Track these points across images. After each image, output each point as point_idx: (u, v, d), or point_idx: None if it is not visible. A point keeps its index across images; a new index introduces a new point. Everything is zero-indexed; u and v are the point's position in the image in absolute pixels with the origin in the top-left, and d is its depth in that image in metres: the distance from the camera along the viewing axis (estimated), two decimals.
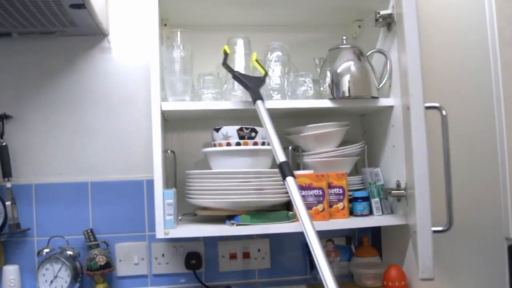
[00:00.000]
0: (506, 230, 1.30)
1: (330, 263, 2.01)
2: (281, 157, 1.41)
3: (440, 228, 1.24)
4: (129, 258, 1.93)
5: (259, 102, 1.55)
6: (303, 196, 1.67)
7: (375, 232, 2.05)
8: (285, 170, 1.38)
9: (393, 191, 1.70)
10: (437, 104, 1.29)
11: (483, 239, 1.41)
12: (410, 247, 1.76)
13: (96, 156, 1.95)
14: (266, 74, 1.72)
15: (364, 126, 2.06)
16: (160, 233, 1.58)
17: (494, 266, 1.35)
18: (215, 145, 1.73)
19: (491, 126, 1.33)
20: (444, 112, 1.26)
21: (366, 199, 1.77)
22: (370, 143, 1.93)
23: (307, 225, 1.24)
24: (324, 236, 2.02)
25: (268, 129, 1.47)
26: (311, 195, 1.69)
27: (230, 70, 1.65)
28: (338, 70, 1.72)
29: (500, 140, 1.31)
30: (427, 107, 1.25)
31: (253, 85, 1.61)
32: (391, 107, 1.75)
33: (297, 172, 1.73)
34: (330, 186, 1.72)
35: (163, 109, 1.63)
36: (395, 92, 1.73)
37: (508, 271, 1.30)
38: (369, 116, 2.01)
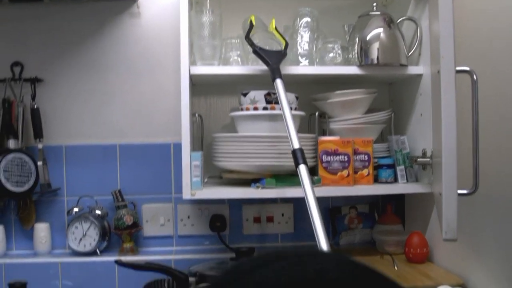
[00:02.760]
0: None
1: (353, 229, 2.04)
2: (295, 144, 1.42)
3: (465, 191, 1.24)
4: (156, 219, 1.97)
5: (278, 81, 1.54)
6: (328, 162, 1.70)
7: (399, 201, 2.06)
8: (298, 157, 1.39)
9: (419, 159, 1.71)
10: (467, 68, 1.28)
11: (509, 206, 1.41)
12: (433, 216, 1.77)
13: (124, 120, 1.98)
14: (286, 44, 1.71)
15: (391, 94, 2.06)
16: (186, 194, 1.61)
17: None
18: (242, 109, 1.75)
19: None
20: (475, 77, 1.25)
21: (391, 166, 1.78)
22: (397, 112, 1.92)
23: (319, 229, 1.25)
24: (348, 203, 2.04)
25: (285, 112, 1.47)
26: (336, 160, 1.70)
27: (251, 44, 1.64)
28: (368, 37, 1.72)
29: None
30: (458, 71, 1.25)
31: (273, 61, 1.60)
32: (420, 75, 1.74)
33: (323, 138, 1.75)
34: (355, 152, 1.73)
35: (191, 73, 1.64)
36: (425, 60, 1.72)
37: None
38: (397, 84, 2.00)
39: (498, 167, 1.46)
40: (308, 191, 1.34)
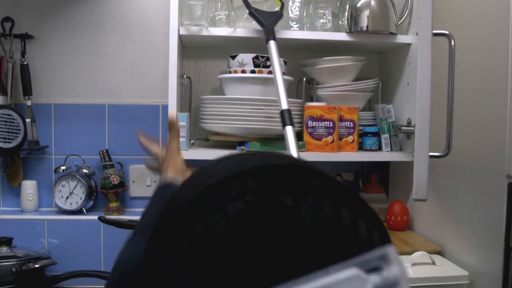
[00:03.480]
0: (508, 167, 1.32)
1: None
2: (284, 105, 1.43)
3: (437, 154, 1.26)
4: (142, 180, 1.99)
5: (271, 42, 1.54)
6: (313, 127, 1.71)
7: (383, 170, 2.08)
8: (285, 118, 1.40)
9: (403, 127, 1.72)
10: (446, 32, 1.29)
11: (485, 176, 1.43)
12: None
13: (114, 80, 1.99)
14: (282, 6, 1.71)
15: (381, 64, 2.06)
16: None
17: (494, 203, 1.37)
18: (230, 72, 1.75)
19: (503, 64, 1.33)
20: (453, 42, 1.26)
21: (376, 134, 1.79)
22: (386, 81, 1.93)
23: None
24: (333, 170, 2.05)
25: (276, 73, 1.48)
26: (321, 126, 1.72)
27: (247, 5, 1.64)
28: (358, 4, 1.72)
29: (511, 78, 1.31)
30: (435, 34, 1.25)
31: (268, 22, 1.60)
32: (409, 44, 1.74)
33: (309, 103, 1.76)
34: (341, 119, 1.75)
35: (180, 33, 1.65)
36: (414, 29, 1.72)
37: (506, 208, 1.33)
38: (386, 54, 2.01)
39: (475, 136, 1.48)
40: (293, 152, 1.35)
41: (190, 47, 1.93)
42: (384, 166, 2.08)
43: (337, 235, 0.45)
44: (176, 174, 1.11)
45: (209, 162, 0.54)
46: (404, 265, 0.41)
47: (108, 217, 1.67)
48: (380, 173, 2.07)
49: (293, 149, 1.34)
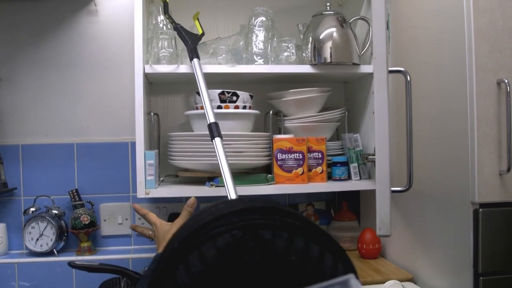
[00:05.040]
0: (472, 194, 1.35)
1: None
2: (211, 118, 1.48)
3: (399, 188, 1.28)
4: (113, 218, 1.98)
5: (195, 60, 1.60)
6: (283, 160, 1.73)
7: (354, 198, 2.10)
8: (213, 131, 1.46)
9: (369, 156, 1.74)
10: (401, 69, 1.32)
11: (451, 204, 1.46)
12: None
13: (82, 118, 1.98)
14: (202, 33, 1.78)
15: (347, 93, 2.09)
16: (141, 193, 1.62)
17: (461, 229, 1.39)
18: (197, 108, 1.76)
19: (462, 93, 1.36)
20: (408, 77, 1.29)
21: (345, 164, 1.81)
22: (352, 110, 1.96)
23: (230, 186, 1.36)
24: (305, 200, 2.07)
25: (202, 88, 1.53)
26: (291, 158, 1.73)
27: (172, 21, 1.68)
28: (321, 36, 1.74)
29: (470, 107, 1.34)
30: (391, 71, 1.28)
31: (192, 41, 1.65)
32: (372, 74, 1.77)
33: (278, 136, 1.77)
34: (309, 151, 1.76)
35: (146, 71, 1.65)
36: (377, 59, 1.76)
37: (472, 234, 1.35)
38: (351, 83, 2.04)
39: (439, 164, 1.51)
40: (223, 162, 1.40)
41: (157, 84, 1.93)
42: (354, 194, 2.09)
43: (305, 264, 0.54)
44: None
45: (207, 206, 0.64)
46: None
47: (78, 261, 1.65)
48: (351, 201, 2.09)
49: (223, 159, 1.40)
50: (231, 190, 1.32)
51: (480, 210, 1.34)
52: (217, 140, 1.43)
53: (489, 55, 1.33)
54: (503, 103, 1.33)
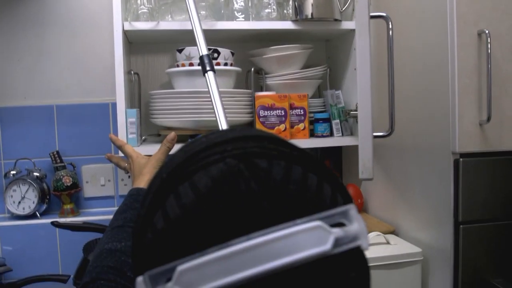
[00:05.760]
0: (453, 145, 1.36)
1: None
2: (203, 50, 1.41)
3: (381, 133, 1.29)
4: (96, 180, 1.96)
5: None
6: (265, 117, 1.73)
7: (337, 155, 2.11)
8: (206, 64, 1.39)
9: (351, 112, 1.75)
10: (383, 14, 1.31)
11: (431, 154, 1.47)
12: None
13: (60, 79, 1.95)
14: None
15: (328, 51, 2.09)
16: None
17: (442, 180, 1.41)
18: (178, 66, 1.74)
19: (443, 44, 1.37)
20: (390, 23, 1.28)
21: (327, 120, 1.82)
22: (334, 67, 1.96)
23: (222, 119, 1.31)
24: None
25: (193, 17, 1.45)
26: (273, 115, 1.73)
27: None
28: None
29: (451, 58, 1.34)
30: (373, 16, 1.27)
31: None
32: (353, 30, 1.77)
33: (259, 93, 1.77)
34: (291, 107, 1.76)
35: (125, 29, 1.63)
36: (359, 15, 1.75)
37: (452, 184, 1.37)
38: (333, 40, 2.03)
39: (420, 115, 1.52)
40: (216, 98, 1.35)
41: (136, 43, 1.91)
42: (337, 151, 2.11)
43: (304, 194, 0.51)
44: None
45: (196, 137, 0.62)
46: (363, 222, 0.48)
47: (61, 220, 1.64)
48: (333, 159, 2.10)
49: (216, 95, 1.34)
50: (223, 122, 1.29)
51: (461, 159, 1.36)
52: (210, 74, 1.37)
53: (470, 6, 1.33)
54: (483, 54, 1.34)
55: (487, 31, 1.32)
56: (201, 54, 1.41)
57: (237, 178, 0.51)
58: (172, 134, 1.38)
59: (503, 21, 1.35)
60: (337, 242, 0.46)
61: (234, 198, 0.49)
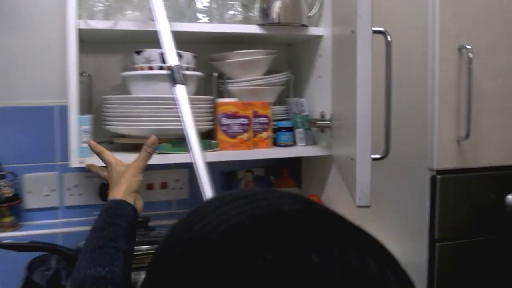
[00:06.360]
0: (430, 161, 1.33)
1: None
2: (173, 60, 1.30)
3: (378, 156, 1.23)
4: (39, 190, 1.79)
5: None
6: (227, 125, 1.63)
7: (295, 164, 2.05)
8: (175, 75, 1.28)
9: (318, 122, 1.69)
10: (382, 29, 1.25)
11: (408, 170, 1.44)
12: (330, 179, 1.78)
13: (2, 79, 1.76)
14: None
15: (290, 56, 2.01)
16: (74, 162, 1.47)
17: (418, 196, 1.38)
18: (135, 69, 1.62)
19: (423, 59, 1.33)
20: (389, 37, 1.22)
21: (290, 129, 1.75)
22: (295, 74, 1.89)
23: (193, 141, 1.23)
24: (244, 167, 1.99)
25: (161, 21, 1.34)
26: (236, 123, 1.64)
27: None
28: None
29: (431, 73, 1.31)
30: (374, 32, 1.21)
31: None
32: (320, 36, 1.72)
33: (222, 100, 1.67)
34: (255, 115, 1.68)
35: (80, 27, 1.49)
36: (326, 21, 1.70)
37: (428, 201, 1.34)
38: (295, 46, 1.96)
39: (397, 130, 1.48)
40: (186, 114, 1.26)
41: (88, 42, 1.75)
42: (295, 160, 2.04)
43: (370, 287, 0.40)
44: (127, 196, 1.13)
45: (202, 203, 0.50)
46: None
47: (5, 240, 1.47)
48: (291, 168, 2.03)
49: (186, 111, 1.26)
50: (194, 141, 1.19)
51: (438, 176, 1.32)
52: (180, 88, 1.26)
53: (452, 20, 1.30)
54: (463, 70, 1.31)
55: (468, 46, 1.29)
56: (171, 64, 1.30)
57: (287, 281, 0.38)
58: (152, 138, 1.25)
59: (482, 36, 1.33)
60: None
61: None
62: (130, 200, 1.14)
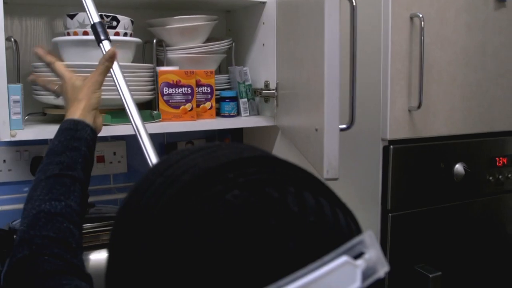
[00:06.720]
0: (383, 131, 1.32)
1: None
2: (95, 17, 1.20)
3: (344, 126, 1.19)
4: None
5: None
6: (169, 95, 1.56)
7: (236, 134, 2.00)
8: (100, 32, 1.18)
9: (263, 91, 1.64)
10: None
11: (360, 140, 1.42)
12: (276, 149, 1.74)
13: None
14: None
15: (229, 23, 1.94)
16: (5, 135, 1.35)
17: (370, 166, 1.37)
18: (68, 34, 1.50)
19: (375, 28, 1.30)
20: (354, 2, 1.17)
21: (234, 99, 1.69)
22: (237, 41, 1.82)
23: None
24: (184, 138, 1.92)
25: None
26: (178, 93, 1.56)
27: None
28: None
29: (384, 42, 1.29)
30: None
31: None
32: (263, 3, 1.66)
33: (163, 68, 1.59)
34: (197, 84, 1.61)
35: None
36: None
37: (381, 171, 1.33)
38: (235, 12, 1.89)
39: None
40: (118, 74, 1.16)
41: (13, 4, 1.60)
42: (236, 130, 1.99)
43: (324, 225, 0.45)
44: (86, 114, 1.05)
45: (169, 155, 0.53)
46: (380, 248, 0.43)
47: None
48: (233, 138, 1.99)
49: (117, 71, 1.16)
50: (130, 103, 1.12)
51: (391, 147, 1.31)
52: (106, 43, 1.15)
53: None
54: (415, 39, 1.29)
55: (420, 15, 1.27)
56: (92, 22, 1.19)
57: (252, 214, 0.42)
58: (111, 50, 1.14)
59: (433, 4, 1.32)
60: (363, 276, 0.41)
61: (255, 242, 0.41)
62: (89, 118, 1.05)
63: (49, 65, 1.18)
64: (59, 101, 1.46)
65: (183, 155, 0.51)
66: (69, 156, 0.96)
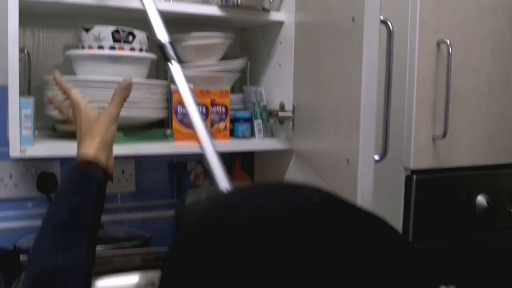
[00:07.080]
0: (406, 160, 1.27)
1: (199, 187, 1.89)
2: (163, 36, 1.17)
3: (377, 158, 1.13)
4: None
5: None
6: (184, 114, 1.51)
7: (248, 157, 1.95)
8: (168, 52, 1.15)
9: (280, 113, 1.60)
10: (386, 19, 1.15)
11: (381, 169, 1.38)
12: (290, 173, 1.69)
13: None
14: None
15: (244, 41, 1.91)
16: (15, 151, 1.29)
17: (392, 196, 1.32)
18: (83, 48, 1.46)
19: (402, 53, 1.26)
20: (390, 26, 1.13)
21: (249, 120, 1.65)
22: (250, 60, 1.79)
23: (197, 121, 1.11)
24: (194, 158, 1.87)
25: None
26: None
27: None
28: None
29: (410, 68, 1.25)
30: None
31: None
32: (281, 22, 1.62)
33: None
34: (212, 104, 1.57)
35: None
36: (288, 7, 1.60)
37: (403, 200, 1.28)
38: (251, 31, 1.86)
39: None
40: (187, 96, 1.14)
41: (26, 14, 1.56)
42: (248, 152, 1.94)
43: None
44: (100, 153, 0.98)
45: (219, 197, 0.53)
46: None
47: None
48: (244, 160, 1.94)
49: (186, 93, 1.13)
50: (200, 129, 1.09)
51: (414, 176, 1.27)
52: (175, 64, 1.13)
53: (432, 13, 1.24)
54: (441, 65, 1.26)
55: (448, 41, 1.23)
56: (164, 41, 1.16)
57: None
58: (126, 81, 1.09)
59: (460, 31, 1.28)
60: None
61: None
62: (102, 157, 0.99)
63: (64, 91, 1.12)
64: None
65: (240, 199, 0.48)
66: (79, 198, 0.92)
